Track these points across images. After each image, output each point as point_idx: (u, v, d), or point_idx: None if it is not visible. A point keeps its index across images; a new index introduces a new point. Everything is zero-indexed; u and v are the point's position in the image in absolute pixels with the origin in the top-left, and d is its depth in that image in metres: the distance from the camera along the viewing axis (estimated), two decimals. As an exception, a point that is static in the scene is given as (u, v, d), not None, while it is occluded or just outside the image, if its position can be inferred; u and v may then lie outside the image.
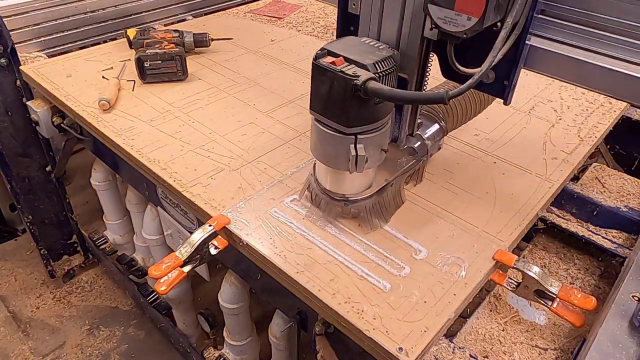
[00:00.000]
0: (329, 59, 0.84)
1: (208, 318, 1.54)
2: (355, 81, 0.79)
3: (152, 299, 1.78)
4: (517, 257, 0.93)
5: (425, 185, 1.14)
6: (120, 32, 1.89)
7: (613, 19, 0.77)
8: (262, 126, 1.35)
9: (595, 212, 1.19)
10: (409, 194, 1.11)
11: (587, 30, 0.81)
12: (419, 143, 1.03)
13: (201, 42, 1.71)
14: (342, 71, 0.80)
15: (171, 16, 2.06)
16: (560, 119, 1.42)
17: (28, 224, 1.89)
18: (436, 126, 1.07)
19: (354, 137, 0.87)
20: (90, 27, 1.83)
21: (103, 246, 1.94)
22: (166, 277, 0.92)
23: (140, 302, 1.87)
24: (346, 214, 1.03)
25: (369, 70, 0.81)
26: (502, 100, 0.90)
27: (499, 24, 0.78)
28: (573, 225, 1.18)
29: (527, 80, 1.61)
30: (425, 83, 0.97)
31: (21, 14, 1.64)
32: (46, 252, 2.01)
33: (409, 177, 1.12)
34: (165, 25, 2.01)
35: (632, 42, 0.78)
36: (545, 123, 1.40)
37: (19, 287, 2.09)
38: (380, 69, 0.83)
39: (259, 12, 2.15)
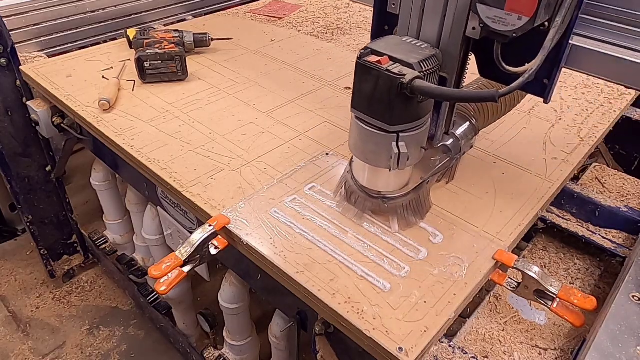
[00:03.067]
0: (374, 57, 0.84)
1: (208, 318, 1.54)
2: (401, 80, 0.80)
3: (152, 299, 1.78)
4: (517, 257, 0.93)
5: (425, 185, 1.14)
6: (120, 32, 1.89)
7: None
8: (262, 126, 1.35)
9: (595, 212, 1.19)
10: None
11: (627, 29, 0.83)
12: (452, 141, 1.04)
13: (201, 42, 1.71)
14: (387, 70, 0.81)
15: (171, 16, 2.06)
16: (560, 119, 1.42)
17: (28, 224, 1.89)
18: (468, 124, 1.07)
19: (396, 135, 0.88)
20: (90, 27, 1.83)
21: (103, 246, 1.94)
22: (166, 277, 0.92)
23: (140, 302, 1.87)
24: (383, 211, 1.03)
25: (414, 69, 0.82)
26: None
27: (546, 23, 0.79)
28: (573, 225, 1.18)
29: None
30: (463, 81, 0.98)
31: (21, 14, 1.64)
32: (46, 252, 2.01)
33: (440, 175, 1.13)
34: (165, 25, 2.01)
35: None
36: (545, 123, 1.40)
37: (19, 287, 2.09)
38: (425, 67, 0.84)
39: (259, 12, 2.15)
